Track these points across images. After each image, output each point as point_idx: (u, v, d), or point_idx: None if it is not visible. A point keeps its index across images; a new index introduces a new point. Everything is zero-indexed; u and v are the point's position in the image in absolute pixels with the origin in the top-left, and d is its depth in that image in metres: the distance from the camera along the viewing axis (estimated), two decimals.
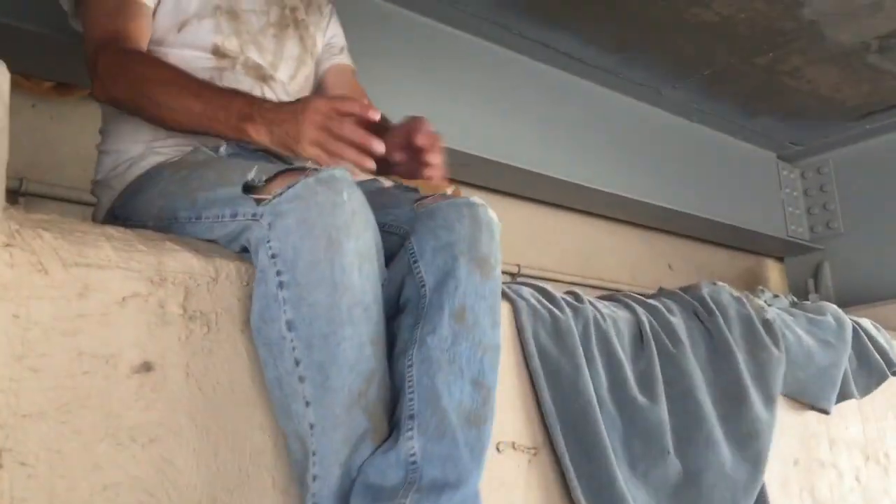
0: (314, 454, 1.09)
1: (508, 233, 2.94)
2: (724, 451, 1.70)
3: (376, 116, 1.29)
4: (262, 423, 1.16)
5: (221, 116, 1.30)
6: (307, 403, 1.08)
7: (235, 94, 1.35)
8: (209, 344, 1.13)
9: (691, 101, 3.36)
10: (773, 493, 1.92)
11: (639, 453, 1.59)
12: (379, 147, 1.28)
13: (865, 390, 2.30)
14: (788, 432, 2.09)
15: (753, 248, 3.98)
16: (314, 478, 1.10)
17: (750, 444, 1.75)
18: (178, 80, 1.37)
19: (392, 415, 1.18)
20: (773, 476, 1.98)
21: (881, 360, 2.33)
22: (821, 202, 3.94)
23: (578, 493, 1.48)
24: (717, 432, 1.71)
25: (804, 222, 3.95)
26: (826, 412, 2.14)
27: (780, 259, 4.13)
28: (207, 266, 1.16)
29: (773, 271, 4.14)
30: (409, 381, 1.17)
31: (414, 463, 1.11)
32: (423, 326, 1.19)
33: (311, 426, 1.09)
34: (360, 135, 1.24)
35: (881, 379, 2.32)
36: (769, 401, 1.86)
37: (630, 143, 3.26)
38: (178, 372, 1.09)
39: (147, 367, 1.07)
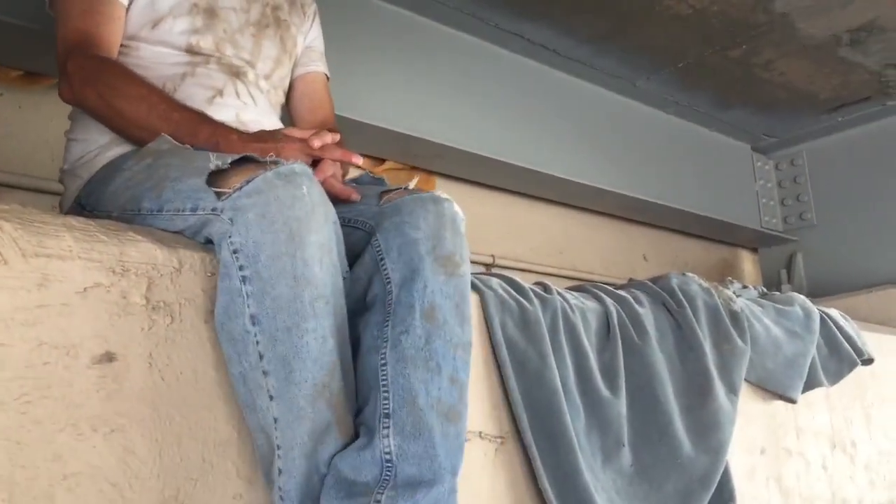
0: (279, 448, 1.10)
1: (483, 224, 2.98)
2: (681, 443, 1.72)
3: (358, 161, 1.33)
4: (227, 413, 1.16)
5: (187, 142, 1.32)
6: (271, 397, 1.09)
7: (203, 120, 1.36)
8: (172, 334, 1.13)
9: (665, 92, 3.38)
10: (739, 482, 1.95)
11: (598, 445, 1.61)
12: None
13: (836, 378, 2.33)
14: (756, 421, 2.12)
15: (728, 239, 4.02)
16: (280, 471, 1.10)
17: (712, 434, 1.78)
18: (148, 97, 1.38)
19: (356, 408, 1.19)
20: (740, 465, 2.01)
21: (850, 349, 2.36)
22: (794, 193, 3.98)
23: (544, 482, 1.49)
24: (676, 425, 1.73)
25: (778, 213, 4.00)
26: (793, 401, 2.17)
27: (754, 250, 4.17)
28: (171, 257, 1.15)
29: (747, 262, 4.18)
30: (384, 380, 1.17)
31: (389, 461, 1.12)
32: (395, 326, 1.20)
33: (276, 420, 1.09)
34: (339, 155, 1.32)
35: (851, 366, 2.35)
36: (732, 392, 1.89)
37: (605, 135, 3.27)
38: (140, 362, 1.09)
39: (109, 357, 1.07)
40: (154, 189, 1.24)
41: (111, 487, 1.03)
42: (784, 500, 2.12)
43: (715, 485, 1.74)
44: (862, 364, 2.45)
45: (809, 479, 2.23)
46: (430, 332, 1.18)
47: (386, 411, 1.15)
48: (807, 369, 2.20)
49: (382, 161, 2.68)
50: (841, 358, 2.31)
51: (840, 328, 2.41)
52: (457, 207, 1.29)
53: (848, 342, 2.37)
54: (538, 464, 1.50)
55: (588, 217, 3.47)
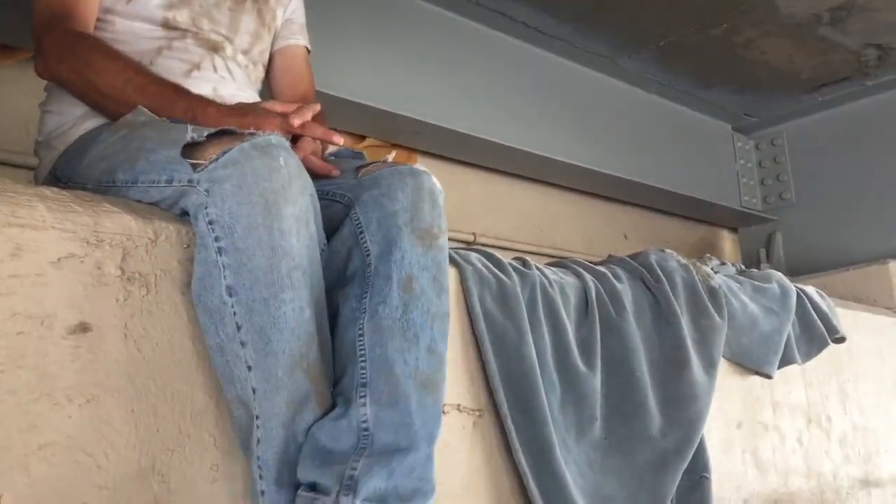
0: (258, 418, 1.10)
1: (464, 201, 2.98)
2: (655, 417, 1.74)
3: (339, 142, 1.32)
4: (203, 384, 1.16)
5: (164, 115, 1.31)
6: (249, 368, 1.09)
7: (180, 93, 1.35)
8: (148, 305, 1.13)
9: (647, 71, 3.38)
10: (716, 455, 1.98)
11: (572, 419, 1.62)
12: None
13: (807, 356, 2.36)
14: (732, 396, 2.14)
15: (708, 218, 4.04)
16: (258, 441, 1.10)
17: (687, 407, 1.79)
18: (124, 71, 1.36)
19: (334, 379, 1.19)
20: (717, 438, 2.03)
21: (823, 328, 2.39)
22: (774, 173, 4.00)
23: (520, 455, 1.51)
24: (650, 400, 1.74)
25: (758, 193, 4.02)
26: (769, 377, 2.20)
27: (734, 229, 4.19)
28: (146, 228, 1.15)
29: (727, 241, 4.21)
30: (361, 351, 1.18)
31: (366, 430, 1.13)
32: (372, 297, 1.20)
33: (254, 390, 1.09)
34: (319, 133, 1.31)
35: (822, 346, 2.38)
36: (710, 366, 1.90)
37: (586, 114, 3.28)
38: (115, 333, 1.09)
39: (84, 327, 1.07)
40: (129, 160, 1.23)
41: (87, 457, 1.03)
42: (760, 474, 2.15)
43: (689, 457, 1.76)
44: (833, 343, 2.48)
45: (785, 452, 2.26)
46: (407, 302, 1.19)
47: (363, 381, 1.15)
48: (783, 346, 2.23)
49: (363, 138, 2.67)
50: (812, 337, 2.34)
51: (815, 306, 2.43)
52: (435, 180, 1.29)
53: (822, 320, 2.39)
54: (513, 437, 1.51)
55: (569, 195, 3.48)
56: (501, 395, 1.52)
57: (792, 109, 3.83)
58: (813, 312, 2.41)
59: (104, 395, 1.06)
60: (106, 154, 1.29)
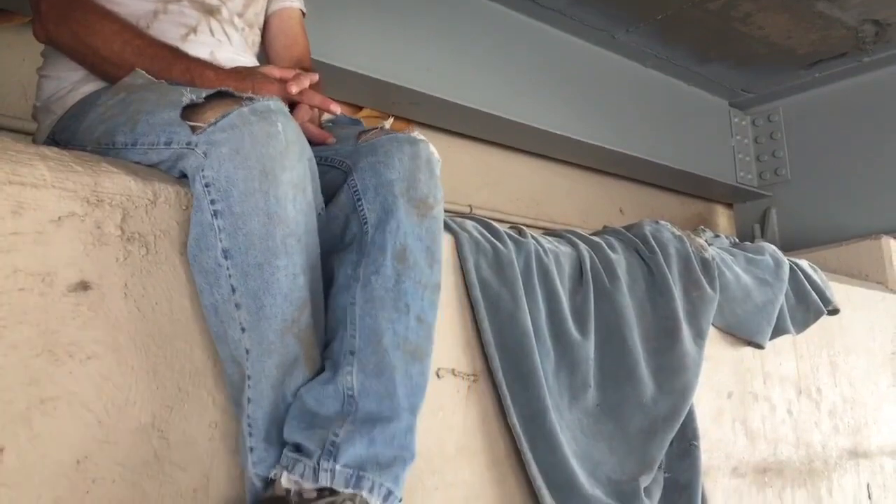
0: (249, 378, 1.12)
1: (460, 173, 2.98)
2: (647, 385, 1.76)
3: (336, 110, 1.33)
4: (202, 343, 1.18)
5: (162, 78, 1.32)
6: (243, 329, 1.11)
7: (177, 56, 1.36)
8: (148, 265, 1.15)
9: (645, 45, 3.38)
10: (706, 424, 2.01)
11: (565, 385, 1.65)
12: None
13: (803, 325, 2.38)
14: (724, 366, 2.17)
15: (703, 193, 4.05)
16: (249, 400, 1.13)
17: (677, 377, 1.82)
18: (122, 34, 1.37)
19: (325, 342, 1.21)
20: (708, 407, 2.06)
21: (818, 298, 2.41)
22: (770, 149, 4.01)
23: (514, 418, 1.53)
24: (642, 368, 1.77)
25: (753, 169, 4.03)
26: (761, 347, 2.22)
27: (729, 205, 4.21)
28: (145, 189, 1.16)
29: (722, 217, 4.22)
30: (351, 319, 1.20)
31: (351, 396, 1.15)
32: (366, 266, 1.21)
33: (247, 351, 1.11)
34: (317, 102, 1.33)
35: (818, 315, 2.40)
36: (698, 337, 1.93)
37: (583, 87, 3.28)
38: (115, 292, 1.11)
39: (84, 286, 1.08)
40: (128, 123, 1.24)
41: (88, 412, 1.05)
42: (749, 442, 2.18)
43: (678, 425, 1.78)
44: (828, 314, 2.51)
45: (774, 422, 2.29)
46: (400, 272, 1.20)
47: (351, 349, 1.17)
48: (775, 316, 2.25)
49: (359, 108, 2.67)
50: (808, 307, 2.36)
51: (808, 278, 2.45)
52: (432, 149, 1.30)
53: (816, 292, 2.42)
54: (508, 402, 1.53)
55: (565, 169, 3.49)
56: (496, 361, 1.54)
57: (789, 85, 3.83)
58: (806, 283, 2.43)
59: (105, 352, 1.08)
60: (105, 117, 1.29)
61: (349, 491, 1.09)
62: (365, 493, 1.10)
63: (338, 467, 1.09)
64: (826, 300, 2.44)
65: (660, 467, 1.76)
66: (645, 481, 1.67)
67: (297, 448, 1.12)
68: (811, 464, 2.40)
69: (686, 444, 1.81)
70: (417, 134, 1.29)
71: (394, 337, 1.17)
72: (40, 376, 1.02)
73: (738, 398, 2.19)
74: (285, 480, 1.09)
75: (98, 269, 1.09)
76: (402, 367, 1.17)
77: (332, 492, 1.08)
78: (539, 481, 1.52)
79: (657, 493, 1.72)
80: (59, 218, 1.07)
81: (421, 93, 2.65)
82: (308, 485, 1.09)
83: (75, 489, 1.03)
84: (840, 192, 3.72)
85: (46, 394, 1.02)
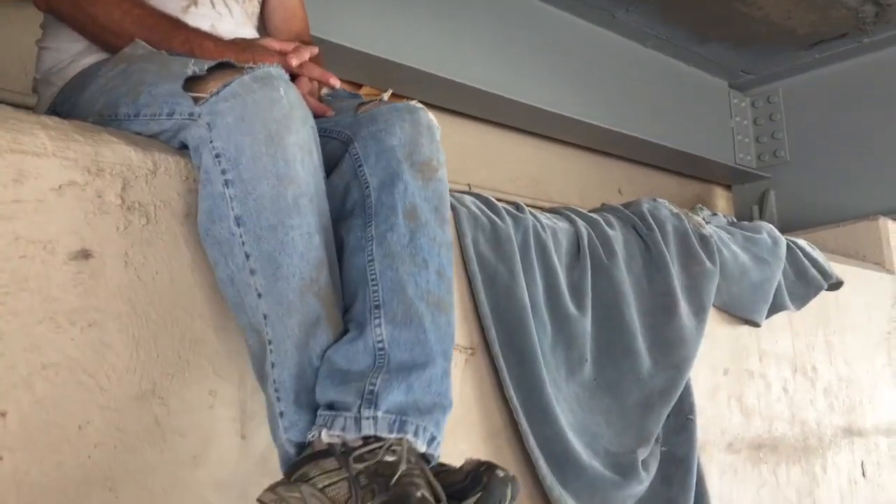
0: (270, 343, 1.12)
1: (459, 153, 2.99)
2: (644, 359, 1.78)
3: (336, 83, 1.33)
4: (203, 313, 1.19)
5: (161, 49, 1.32)
6: (259, 295, 1.11)
7: (178, 27, 1.36)
8: (148, 235, 1.15)
9: (645, 25, 3.37)
10: (702, 400, 2.02)
11: (562, 359, 1.66)
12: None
13: (802, 301, 2.39)
14: (720, 344, 2.18)
15: (702, 175, 4.05)
16: (273, 365, 1.12)
17: (674, 351, 1.83)
18: (121, 3, 1.38)
19: (344, 306, 1.21)
20: (703, 384, 2.08)
21: (818, 273, 2.42)
22: (769, 131, 4.01)
23: (511, 391, 1.55)
24: (639, 343, 1.78)
25: (752, 150, 4.03)
26: (757, 325, 2.24)
27: (728, 186, 4.21)
28: (146, 159, 1.17)
29: (721, 198, 4.23)
30: (372, 275, 1.19)
31: (382, 349, 1.14)
32: (378, 225, 1.21)
33: (265, 316, 1.11)
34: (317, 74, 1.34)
35: (818, 289, 2.41)
36: (700, 312, 1.94)
37: (583, 67, 3.27)
38: (116, 260, 1.12)
39: (85, 254, 1.09)
40: (130, 94, 1.24)
41: (89, 378, 1.07)
42: (745, 419, 2.20)
43: (674, 399, 1.80)
44: (829, 289, 2.52)
45: (770, 399, 2.31)
46: (413, 230, 1.20)
47: (376, 303, 1.16)
48: (772, 294, 2.26)
49: (359, 86, 2.67)
50: (808, 282, 2.37)
51: (807, 254, 2.46)
52: (431, 116, 1.31)
53: (815, 267, 2.43)
54: (504, 375, 1.55)
55: (564, 149, 3.49)
56: (493, 334, 1.55)
57: (789, 66, 3.82)
58: (805, 260, 2.44)
59: (105, 319, 1.09)
60: (106, 88, 1.30)
61: (394, 436, 1.08)
62: (410, 437, 1.09)
63: (379, 414, 1.08)
64: (826, 274, 2.45)
65: (657, 441, 1.77)
66: (642, 454, 1.69)
67: (332, 406, 1.10)
68: (806, 441, 2.42)
69: (683, 419, 1.83)
70: (416, 103, 1.30)
71: (416, 289, 1.17)
72: (41, 342, 1.03)
73: (734, 375, 2.21)
74: (325, 436, 1.08)
75: (99, 238, 1.10)
76: (429, 316, 1.16)
77: (378, 438, 1.07)
78: (536, 453, 1.54)
79: (654, 466, 1.74)
80: (60, 186, 1.08)
81: (420, 70, 2.65)
82: (351, 436, 1.07)
83: (77, 454, 1.04)
84: (839, 173, 3.72)
85: (48, 360, 1.03)
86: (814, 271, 2.39)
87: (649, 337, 1.83)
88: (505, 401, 1.58)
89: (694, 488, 1.77)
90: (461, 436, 1.52)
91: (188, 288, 1.19)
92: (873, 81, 3.68)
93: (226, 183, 1.10)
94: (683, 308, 1.90)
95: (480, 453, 1.54)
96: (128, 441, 1.09)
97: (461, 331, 1.57)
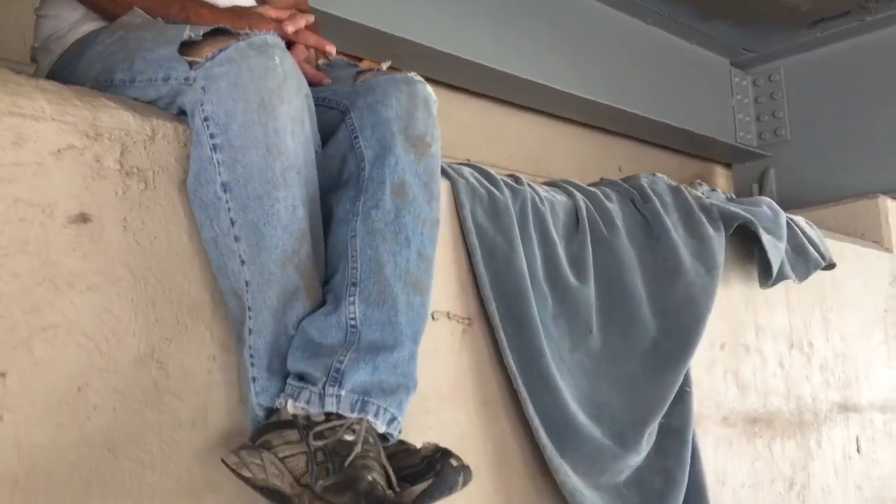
0: (250, 309, 1.14)
1: (459, 129, 2.98)
2: (650, 328, 1.78)
3: (332, 50, 1.33)
4: (200, 278, 1.20)
5: (158, 16, 1.33)
6: (242, 262, 1.13)
7: None
8: (146, 200, 1.16)
9: (647, 1, 3.36)
10: (698, 373, 2.03)
11: (565, 330, 1.67)
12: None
13: (804, 275, 2.39)
14: (717, 318, 2.18)
15: (702, 153, 4.05)
16: (250, 331, 1.15)
17: (684, 310, 1.83)
18: None
19: (325, 277, 1.23)
20: (700, 358, 2.08)
21: (815, 251, 2.42)
22: (770, 110, 3.99)
23: (510, 360, 1.56)
24: (644, 310, 1.79)
25: (753, 129, 4.02)
26: (769, 276, 2.20)
27: (728, 165, 4.21)
28: (144, 125, 1.17)
29: (721, 177, 4.22)
30: (353, 252, 1.21)
31: (354, 326, 1.17)
32: (365, 200, 1.23)
33: (247, 283, 1.13)
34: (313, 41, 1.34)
35: (816, 265, 2.41)
36: (712, 269, 1.92)
37: (584, 43, 3.26)
38: (115, 225, 1.12)
39: (84, 218, 1.10)
40: (126, 60, 1.24)
41: (88, 341, 1.07)
42: (740, 393, 2.22)
43: (688, 362, 1.81)
44: (825, 269, 2.52)
45: (766, 374, 2.32)
46: (399, 206, 1.22)
47: (353, 280, 1.19)
48: (779, 260, 2.25)
49: (359, 60, 2.66)
50: (807, 259, 2.37)
51: (805, 232, 2.47)
52: (429, 89, 1.31)
53: (812, 245, 2.43)
54: (504, 344, 1.55)
55: (565, 126, 3.48)
56: (492, 304, 1.56)
57: (790, 45, 3.81)
58: (803, 237, 2.44)
59: (104, 283, 1.10)
60: (103, 55, 1.30)
61: (355, 415, 1.11)
62: (370, 418, 1.13)
63: (343, 393, 1.12)
64: (822, 254, 2.46)
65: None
66: (651, 425, 1.70)
67: (301, 377, 1.14)
68: (801, 415, 2.43)
69: (680, 391, 1.83)
70: (415, 75, 1.30)
71: (395, 269, 1.19)
72: (41, 304, 1.04)
73: (731, 350, 2.22)
74: (291, 407, 1.12)
75: (97, 202, 1.11)
76: (403, 297, 1.19)
77: (339, 416, 1.11)
78: (536, 422, 1.55)
79: (653, 438, 1.75)
80: (59, 150, 1.09)
81: (420, 44, 2.64)
82: (314, 410, 1.11)
83: (76, 415, 1.05)
84: (839, 152, 3.71)
85: (47, 322, 1.04)
86: (811, 249, 2.39)
87: (656, 304, 1.83)
88: (502, 371, 1.59)
89: (689, 461, 1.79)
90: (458, 405, 1.53)
91: (186, 253, 1.19)
92: (875, 61, 3.67)
93: (214, 147, 1.11)
94: (690, 267, 1.89)
95: (476, 422, 1.56)
96: (127, 403, 1.10)
97: (459, 301, 1.58)
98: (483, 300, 1.57)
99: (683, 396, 1.83)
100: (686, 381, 1.85)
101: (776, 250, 2.12)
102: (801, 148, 3.87)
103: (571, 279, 1.71)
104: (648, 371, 1.74)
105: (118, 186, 1.13)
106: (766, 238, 2.11)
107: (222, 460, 1.09)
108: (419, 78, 1.32)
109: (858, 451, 2.66)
